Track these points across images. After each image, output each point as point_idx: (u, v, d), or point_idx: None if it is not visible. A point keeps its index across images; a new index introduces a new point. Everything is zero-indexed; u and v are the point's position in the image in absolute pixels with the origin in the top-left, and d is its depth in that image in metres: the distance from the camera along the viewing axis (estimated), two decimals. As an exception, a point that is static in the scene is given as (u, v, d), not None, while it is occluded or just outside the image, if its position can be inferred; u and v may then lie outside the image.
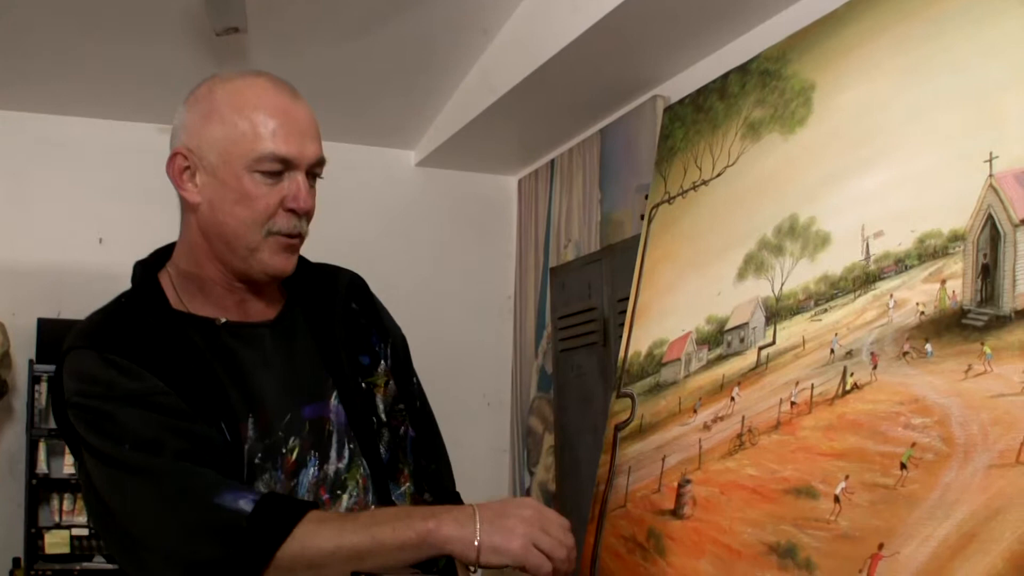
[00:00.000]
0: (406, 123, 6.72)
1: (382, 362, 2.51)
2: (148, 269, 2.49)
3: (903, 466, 2.52)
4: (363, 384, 2.38)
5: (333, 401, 2.29)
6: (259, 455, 2.17)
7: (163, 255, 2.53)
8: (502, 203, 7.21)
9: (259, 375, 2.22)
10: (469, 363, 6.96)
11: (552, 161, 6.65)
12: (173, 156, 2.38)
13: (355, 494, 2.29)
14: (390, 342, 2.56)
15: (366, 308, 2.63)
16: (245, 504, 2.11)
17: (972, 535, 2.30)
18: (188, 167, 2.36)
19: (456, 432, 6.06)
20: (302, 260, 2.49)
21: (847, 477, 2.68)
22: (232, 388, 2.24)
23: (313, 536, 2.08)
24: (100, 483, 2.29)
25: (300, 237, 2.35)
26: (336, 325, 2.46)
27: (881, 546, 2.54)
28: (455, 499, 3.16)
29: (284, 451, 2.19)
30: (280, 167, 2.28)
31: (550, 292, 6.15)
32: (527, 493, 6.68)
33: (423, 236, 6.99)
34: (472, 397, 6.91)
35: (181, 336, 2.30)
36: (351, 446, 2.29)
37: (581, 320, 5.62)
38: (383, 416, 2.39)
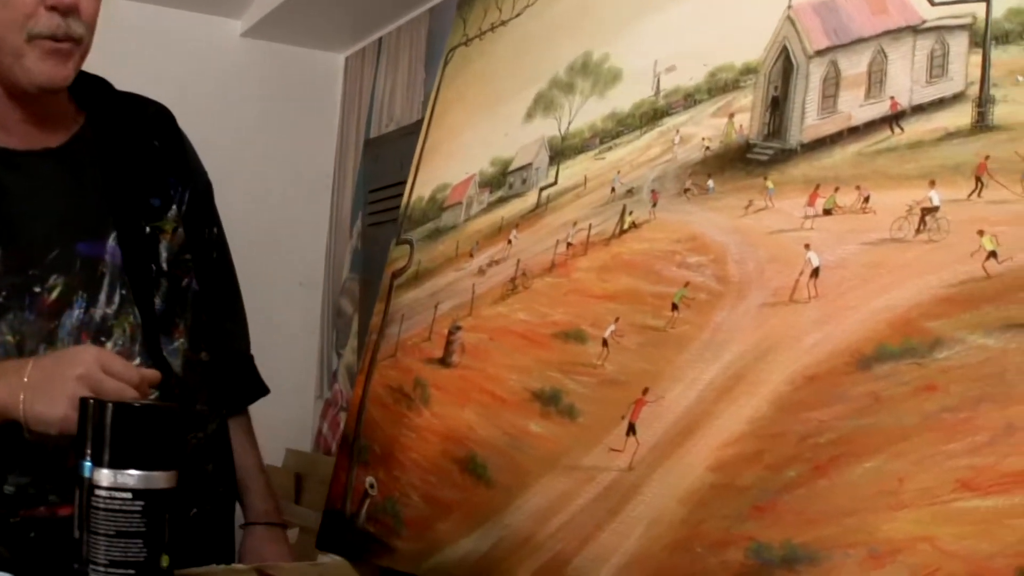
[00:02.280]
0: None
1: (174, 207, 2.21)
2: None
3: (675, 307, 2.32)
4: (147, 228, 2.03)
5: (111, 241, 1.96)
6: (3, 293, 1.80)
7: None
8: (328, 80, 6.76)
9: (21, 205, 1.87)
10: (285, 242, 6.57)
11: (380, 39, 6.25)
12: None
13: (121, 343, 2.00)
14: (190, 187, 2.22)
15: (170, 145, 2.34)
16: None
17: (740, 376, 2.12)
18: None
19: (268, 313, 5.68)
20: (106, 86, 2.18)
21: (617, 319, 2.47)
22: None
23: None
24: None
25: (71, 40, 2.02)
26: (129, 159, 2.16)
27: (646, 391, 2.34)
28: (247, 361, 2.86)
29: (39, 290, 1.85)
30: (36, -42, 1.95)
31: (363, 165, 5.80)
32: (334, 376, 6.39)
33: (244, 111, 6.46)
34: (286, 277, 6.53)
35: None
36: (123, 292, 1.97)
37: (392, 194, 5.29)
38: (164, 265, 2.07)
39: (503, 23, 3.61)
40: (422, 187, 3.88)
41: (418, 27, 5.87)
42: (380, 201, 4.98)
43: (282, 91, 6.62)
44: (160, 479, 1.78)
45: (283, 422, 4.69)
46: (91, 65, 2.31)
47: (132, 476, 1.75)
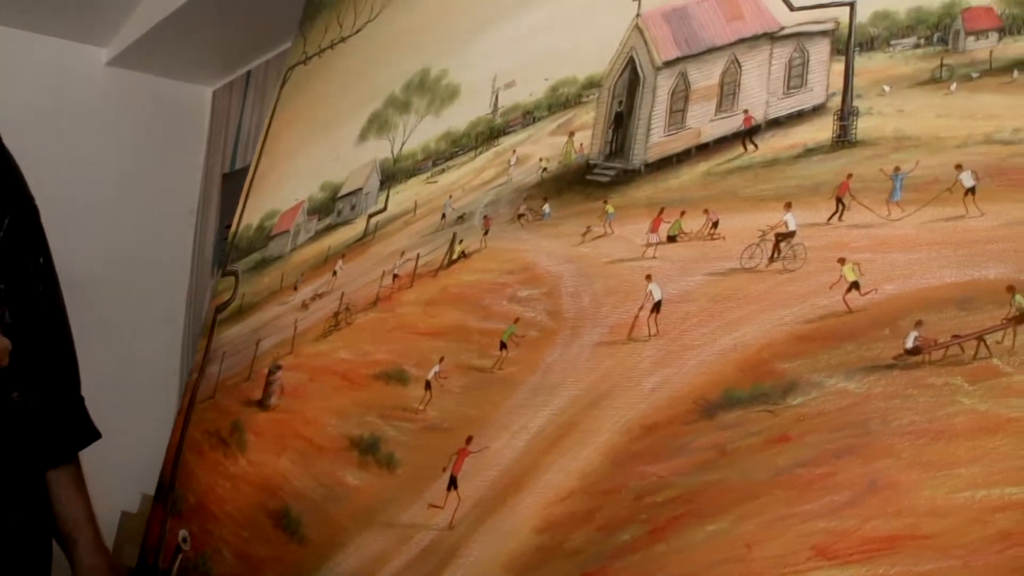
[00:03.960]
0: (98, 15, 5.64)
1: (-12, 232, 1.86)
2: None
3: (503, 345, 2.00)
4: None
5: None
6: None
7: None
8: (194, 113, 6.33)
9: None
10: (145, 279, 6.07)
11: (249, 73, 5.87)
12: None
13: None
14: (10, 213, 1.90)
15: None
16: None
17: (571, 425, 1.82)
18: None
19: (126, 351, 5.29)
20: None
21: (442, 359, 2.14)
22: None
23: None
24: None
25: None
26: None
27: (470, 439, 2.02)
28: (76, 404, 2.50)
29: None
30: None
31: (219, 201, 5.40)
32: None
33: (107, 142, 5.97)
34: (146, 314, 6.03)
35: None
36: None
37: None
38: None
39: (343, 40, 3.28)
40: (251, 214, 3.52)
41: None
42: (235, 238, 4.54)
43: (147, 123, 6.18)
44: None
45: (143, 466, 4.25)
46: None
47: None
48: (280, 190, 3.36)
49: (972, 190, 1.53)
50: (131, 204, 6.11)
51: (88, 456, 2.59)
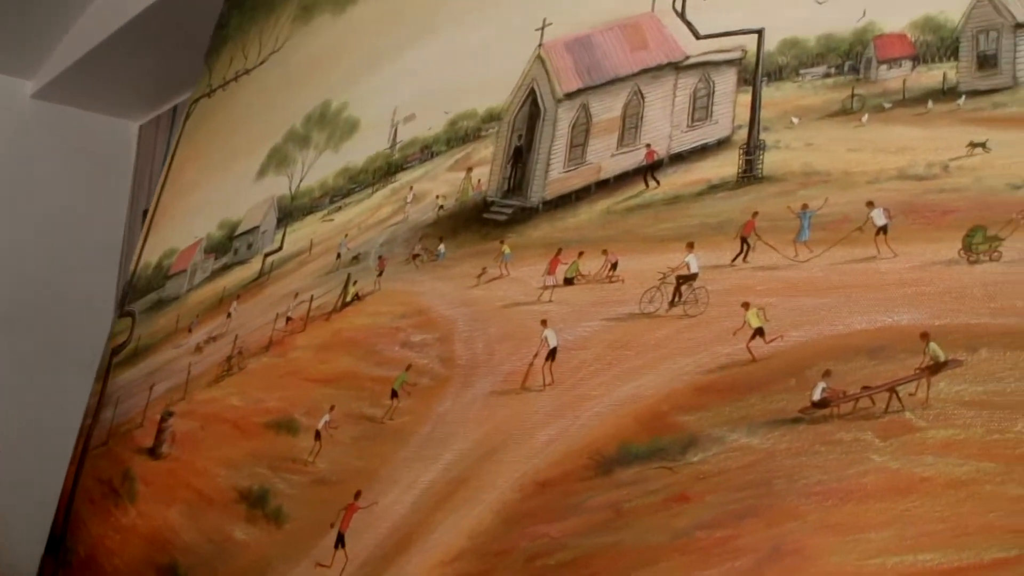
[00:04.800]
0: (23, 47, 5.40)
1: None
2: None
3: (394, 394, 1.85)
4: None
5: None
6: None
7: None
8: (121, 148, 6.10)
9: None
10: (66, 318, 5.79)
11: (175, 107, 5.68)
12: None
13: None
14: None
15: None
16: None
17: (462, 480, 1.66)
18: None
19: (51, 393, 5.04)
20: None
21: (332, 408, 1.98)
22: None
23: None
24: None
25: None
26: None
27: (358, 494, 1.86)
28: None
29: None
30: None
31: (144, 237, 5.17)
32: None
33: (30, 175, 5.72)
34: (66, 355, 5.75)
35: None
36: None
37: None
38: None
39: (247, 72, 3.11)
40: (150, 253, 3.33)
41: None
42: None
43: (72, 156, 5.92)
44: None
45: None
46: None
47: None
48: (179, 227, 3.18)
49: (884, 229, 1.40)
50: (54, 239, 5.86)
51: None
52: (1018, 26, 1.48)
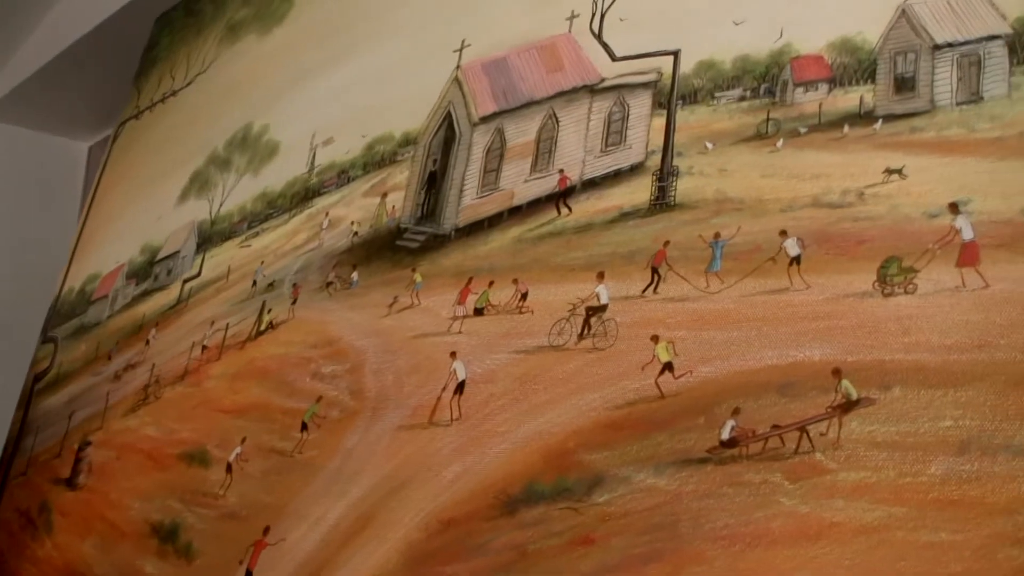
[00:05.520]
0: None
1: None
2: None
3: (304, 426, 1.75)
4: None
5: None
6: None
7: None
8: (70, 169, 5.92)
9: None
10: (18, 342, 5.59)
11: None
12: None
13: None
14: None
15: None
16: None
17: (369, 517, 1.58)
18: None
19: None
20: None
21: (244, 440, 1.88)
22: None
23: None
24: None
25: None
26: None
27: (267, 530, 1.76)
28: None
29: None
30: None
31: None
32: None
33: None
34: (11, 381, 5.56)
35: None
36: None
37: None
38: None
39: (174, 93, 3.01)
40: (75, 277, 3.21)
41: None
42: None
43: (20, 176, 5.74)
44: None
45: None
46: None
47: None
48: (103, 252, 3.07)
49: (797, 259, 1.32)
50: (3, 256, 5.69)
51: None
52: (936, 47, 1.42)
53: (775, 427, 1.24)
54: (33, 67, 4.96)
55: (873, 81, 1.41)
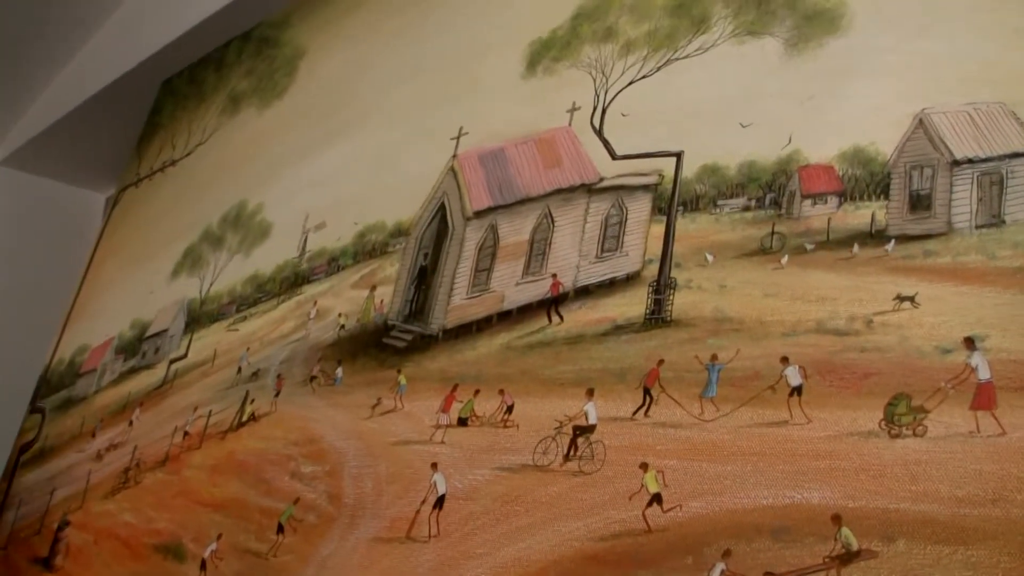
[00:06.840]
0: None
1: None
2: None
3: (281, 528, 1.66)
4: None
5: None
6: None
7: None
8: (86, 219, 5.87)
9: None
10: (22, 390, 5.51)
11: None
12: None
13: None
14: None
15: None
16: None
17: (340, 637, 1.44)
18: None
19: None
20: None
21: (220, 536, 1.79)
22: None
23: None
24: None
25: None
26: None
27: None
28: None
29: None
30: None
31: None
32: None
33: None
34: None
35: None
36: None
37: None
38: None
39: (174, 162, 2.96)
40: (66, 348, 3.13)
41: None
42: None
43: (36, 225, 5.69)
44: None
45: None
46: None
47: None
48: (94, 324, 2.99)
49: (798, 390, 1.23)
50: (15, 306, 5.63)
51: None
52: (955, 163, 1.33)
53: (768, 575, 1.14)
54: (52, 118, 4.93)
55: (886, 197, 1.32)
